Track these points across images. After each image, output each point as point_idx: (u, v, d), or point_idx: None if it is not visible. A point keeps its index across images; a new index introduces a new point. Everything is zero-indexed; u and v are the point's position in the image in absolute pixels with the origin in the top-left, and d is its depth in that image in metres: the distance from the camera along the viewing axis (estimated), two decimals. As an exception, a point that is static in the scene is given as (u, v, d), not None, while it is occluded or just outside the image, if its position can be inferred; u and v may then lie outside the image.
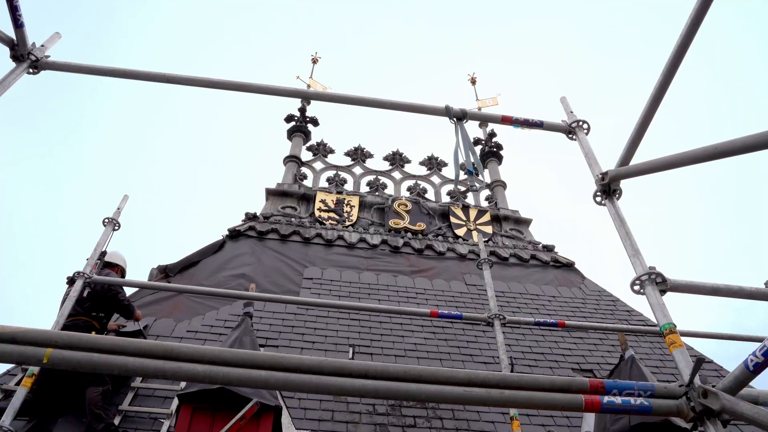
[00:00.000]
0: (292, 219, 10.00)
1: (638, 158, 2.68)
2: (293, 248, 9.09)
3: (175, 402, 5.24)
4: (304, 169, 11.84)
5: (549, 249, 10.41)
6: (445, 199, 11.81)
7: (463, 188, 11.88)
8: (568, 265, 9.93)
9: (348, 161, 12.37)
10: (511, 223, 11.20)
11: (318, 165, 12.10)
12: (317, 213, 10.33)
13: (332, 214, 10.39)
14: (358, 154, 12.48)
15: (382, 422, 5.48)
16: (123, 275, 5.99)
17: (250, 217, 9.76)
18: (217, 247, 8.69)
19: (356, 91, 3.47)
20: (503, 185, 12.36)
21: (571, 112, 3.31)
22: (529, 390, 2.04)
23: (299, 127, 12.75)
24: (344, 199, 10.80)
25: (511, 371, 5.28)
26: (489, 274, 5.79)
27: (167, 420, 5.13)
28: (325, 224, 10.05)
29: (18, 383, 5.29)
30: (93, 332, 5.29)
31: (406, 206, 10.79)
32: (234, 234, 9.12)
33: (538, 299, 8.58)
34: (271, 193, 10.71)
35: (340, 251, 9.28)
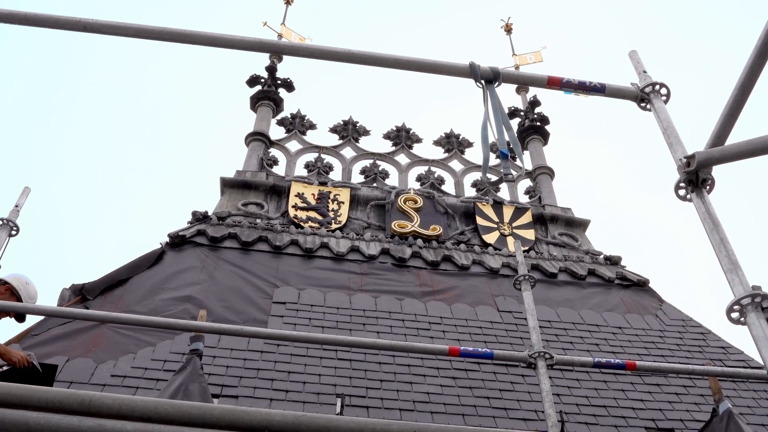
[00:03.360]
0: (258, 220, 10.00)
1: (736, 136, 2.68)
2: (259, 261, 9.08)
3: (96, 474, 5.23)
4: (274, 151, 11.84)
5: (614, 262, 10.40)
6: (470, 192, 11.81)
7: (494, 177, 11.88)
8: (641, 284, 9.92)
9: (335, 140, 12.38)
10: (561, 226, 11.19)
11: (293, 145, 12.11)
12: (292, 212, 10.33)
13: (313, 213, 10.39)
14: (349, 131, 12.49)
15: (383, 502, 5.47)
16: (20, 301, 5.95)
17: (200, 218, 9.76)
18: (153, 260, 8.69)
19: (346, 44, 3.47)
20: (550, 173, 12.36)
21: (644, 71, 3.31)
22: (586, 458, 2.03)
23: (267, 93, 12.75)
24: (329, 192, 10.81)
25: (562, 431, 5.27)
26: (530, 296, 5.78)
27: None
28: (303, 227, 10.05)
29: None
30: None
31: (416, 202, 10.79)
32: (177, 241, 9.12)
33: (598, 331, 8.56)
34: (228, 185, 10.71)
35: (323, 265, 9.27)
